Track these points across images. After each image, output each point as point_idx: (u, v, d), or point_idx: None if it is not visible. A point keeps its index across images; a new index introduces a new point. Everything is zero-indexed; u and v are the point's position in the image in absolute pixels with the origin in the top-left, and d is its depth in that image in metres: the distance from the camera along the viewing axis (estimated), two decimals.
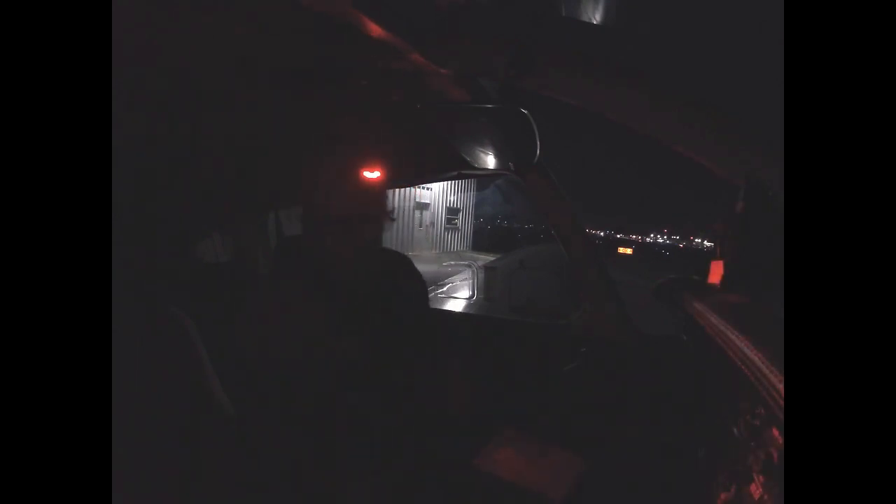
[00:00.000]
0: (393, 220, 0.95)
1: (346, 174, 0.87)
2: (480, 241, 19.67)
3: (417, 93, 0.92)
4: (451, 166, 1.46)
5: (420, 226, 16.04)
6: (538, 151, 1.00)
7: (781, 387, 0.48)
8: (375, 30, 0.70)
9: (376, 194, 0.89)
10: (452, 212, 18.06)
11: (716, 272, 0.82)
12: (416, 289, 1.04)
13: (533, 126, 0.93)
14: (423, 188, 15.92)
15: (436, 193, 16.89)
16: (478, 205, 20.18)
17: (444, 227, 17.61)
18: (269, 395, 0.89)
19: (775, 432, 0.55)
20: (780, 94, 0.43)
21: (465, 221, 19.04)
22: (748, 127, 0.66)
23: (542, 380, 1.38)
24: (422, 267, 1.04)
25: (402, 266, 1.04)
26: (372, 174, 0.87)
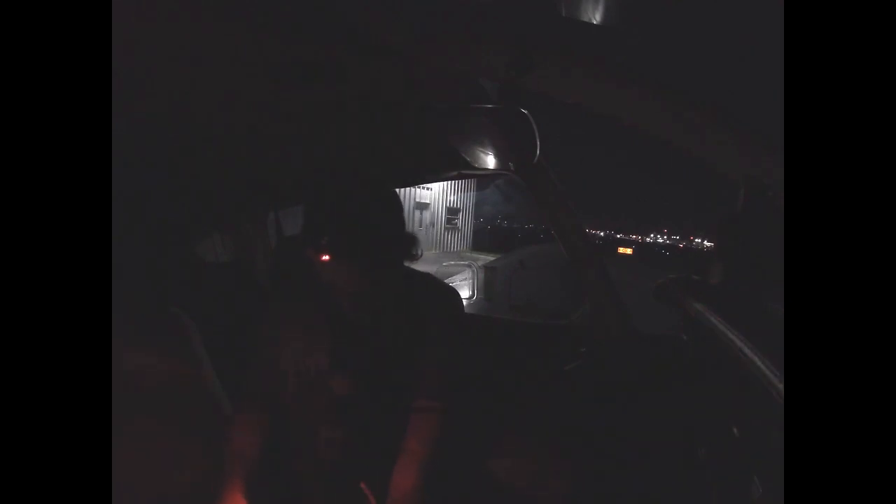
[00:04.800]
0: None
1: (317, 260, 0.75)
2: (480, 241, 19.65)
3: (417, 92, 0.91)
4: (451, 166, 1.46)
5: (420, 226, 16.04)
6: (538, 151, 1.00)
7: (781, 387, 0.48)
8: (375, 30, 0.69)
9: (344, 273, 0.76)
10: (452, 212, 18.06)
11: (716, 272, 0.82)
12: (441, 331, 0.87)
13: (533, 126, 0.93)
14: (423, 188, 15.91)
15: (436, 193, 16.88)
16: (478, 205, 20.17)
17: (444, 227, 17.60)
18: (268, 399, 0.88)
19: (775, 432, 0.55)
20: (780, 94, 0.43)
21: (465, 221, 19.03)
22: (749, 127, 0.66)
23: (542, 380, 1.38)
24: (423, 267, 0.99)
25: (430, 303, 0.88)
26: (325, 257, 0.74)
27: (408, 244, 0.82)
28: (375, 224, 0.76)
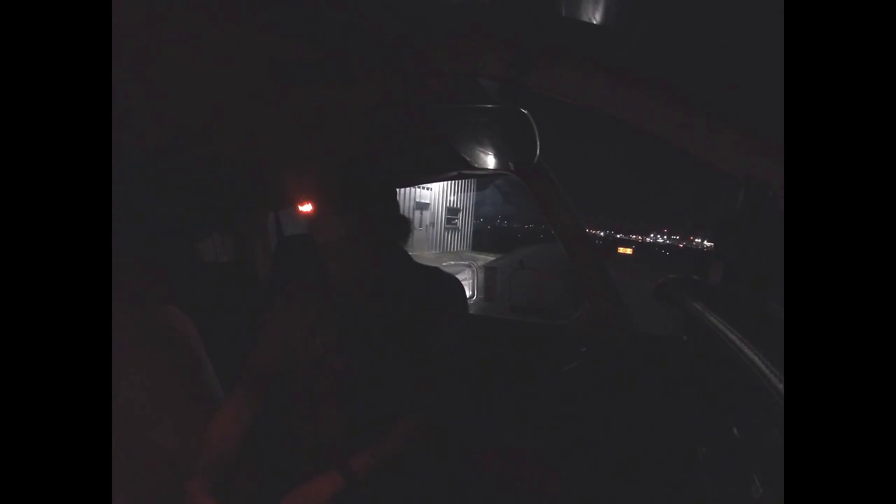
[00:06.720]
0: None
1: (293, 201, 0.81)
2: (480, 241, 19.64)
3: (418, 93, 0.92)
4: (451, 166, 1.46)
5: (420, 226, 16.05)
6: (538, 151, 1.00)
7: (781, 387, 0.48)
8: (376, 29, 0.70)
9: (325, 220, 0.79)
10: (452, 212, 18.05)
11: (716, 272, 0.82)
12: (446, 321, 0.88)
13: (533, 126, 0.93)
14: (423, 188, 15.91)
15: (436, 193, 16.87)
16: (478, 205, 20.16)
17: (444, 227, 17.59)
18: (268, 394, 0.88)
19: (775, 432, 0.55)
20: (780, 94, 0.43)
21: (465, 221, 19.02)
22: (748, 126, 0.66)
23: (543, 380, 1.39)
24: None
25: (435, 292, 0.89)
26: (305, 206, 0.80)
27: (400, 224, 0.86)
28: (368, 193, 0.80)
